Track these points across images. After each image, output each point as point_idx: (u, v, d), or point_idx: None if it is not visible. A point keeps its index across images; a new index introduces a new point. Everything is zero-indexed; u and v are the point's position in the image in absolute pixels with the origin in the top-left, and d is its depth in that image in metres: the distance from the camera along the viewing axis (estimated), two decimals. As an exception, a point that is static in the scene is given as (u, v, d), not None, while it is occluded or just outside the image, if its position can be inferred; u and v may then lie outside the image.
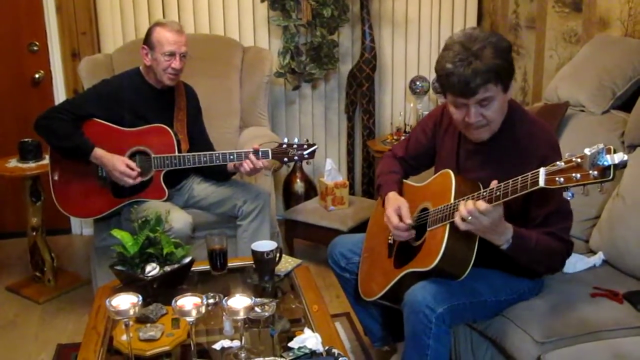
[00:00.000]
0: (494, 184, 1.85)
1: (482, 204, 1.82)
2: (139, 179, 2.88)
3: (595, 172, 1.57)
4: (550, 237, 2.00)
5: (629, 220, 2.37)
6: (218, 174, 3.08)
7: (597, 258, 2.42)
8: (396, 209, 2.22)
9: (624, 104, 2.79)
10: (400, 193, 2.35)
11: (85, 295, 3.38)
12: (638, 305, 2.08)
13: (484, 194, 1.88)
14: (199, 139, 3.11)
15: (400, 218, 2.19)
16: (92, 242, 3.34)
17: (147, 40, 2.91)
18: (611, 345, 1.90)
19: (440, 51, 2.02)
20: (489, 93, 1.92)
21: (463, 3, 4.36)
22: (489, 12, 4.33)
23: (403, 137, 3.02)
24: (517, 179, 1.77)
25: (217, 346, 2.00)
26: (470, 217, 1.84)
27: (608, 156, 1.55)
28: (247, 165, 2.84)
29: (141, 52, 2.94)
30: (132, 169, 2.85)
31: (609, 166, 1.55)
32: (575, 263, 2.36)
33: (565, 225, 2.05)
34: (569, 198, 1.66)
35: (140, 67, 3.01)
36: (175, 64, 2.89)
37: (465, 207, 1.85)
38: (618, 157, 1.54)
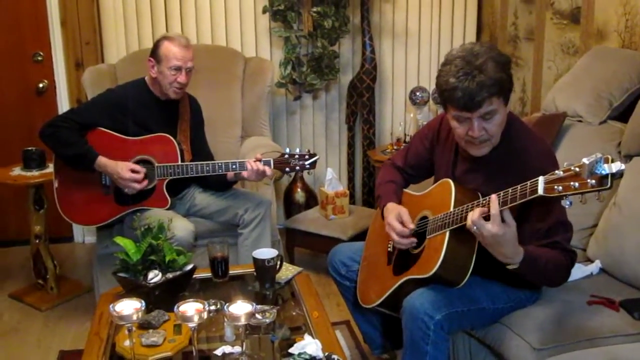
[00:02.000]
0: (494, 197, 1.86)
1: (493, 228, 1.82)
2: (145, 182, 2.91)
3: (593, 181, 1.59)
4: (556, 249, 2.01)
5: (626, 229, 2.39)
6: (219, 184, 3.11)
7: (594, 266, 2.44)
8: (397, 216, 2.24)
9: (621, 115, 2.83)
10: (399, 203, 2.38)
11: (87, 303, 3.40)
12: (634, 313, 2.11)
13: (483, 202, 1.90)
14: (200, 151, 3.13)
15: (403, 224, 2.21)
16: (94, 250, 3.37)
17: (154, 53, 2.94)
18: (607, 352, 1.92)
19: (440, 63, 2.04)
20: (492, 106, 1.94)
21: (462, 15, 4.41)
22: (488, 25, 4.38)
23: (403, 147, 3.05)
24: (517, 187, 1.79)
25: (218, 352, 2.01)
26: (475, 228, 1.86)
27: (606, 165, 1.57)
28: (249, 166, 2.85)
29: (147, 64, 2.97)
30: (137, 172, 2.88)
31: (607, 175, 1.57)
32: (573, 271, 2.38)
33: (567, 235, 2.07)
34: (567, 206, 1.68)
35: (146, 78, 3.05)
36: (181, 78, 2.93)
37: (471, 217, 1.86)
38: (615, 166, 1.57)
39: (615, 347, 1.96)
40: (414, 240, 2.20)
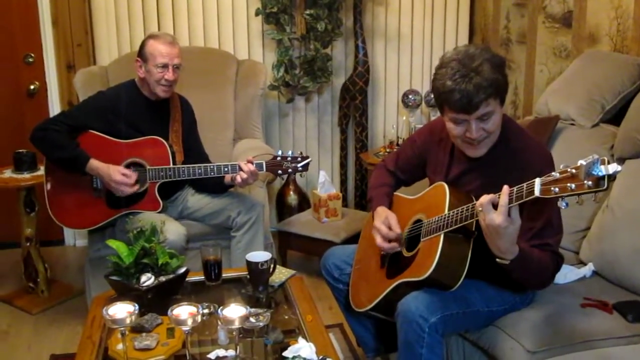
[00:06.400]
0: (506, 189, 1.82)
1: (498, 218, 1.79)
2: (137, 187, 2.89)
3: (590, 182, 1.59)
4: (547, 252, 2.02)
5: (618, 232, 2.40)
6: (214, 187, 3.09)
7: (587, 269, 2.45)
8: (384, 221, 2.26)
9: (613, 118, 2.84)
10: (390, 206, 2.39)
11: (78, 306, 3.38)
12: (627, 316, 2.12)
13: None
14: (194, 151, 3.13)
15: (390, 228, 2.23)
16: (85, 253, 3.35)
17: (141, 53, 2.95)
18: (601, 355, 1.93)
19: (433, 66, 2.05)
20: (489, 107, 1.95)
21: (455, 18, 4.42)
22: (481, 28, 4.39)
23: (395, 151, 3.06)
24: (513, 189, 1.79)
25: (211, 355, 2.00)
26: (480, 209, 1.83)
27: (602, 167, 1.58)
28: (243, 167, 2.84)
29: (135, 64, 2.97)
30: (129, 176, 2.86)
31: (604, 176, 1.58)
32: (566, 274, 2.39)
33: (558, 237, 2.08)
34: (563, 207, 1.68)
35: (136, 79, 3.04)
36: (168, 75, 2.92)
37: (482, 199, 1.83)
38: (612, 167, 1.57)
39: (609, 349, 1.97)
40: (396, 245, 2.22)
